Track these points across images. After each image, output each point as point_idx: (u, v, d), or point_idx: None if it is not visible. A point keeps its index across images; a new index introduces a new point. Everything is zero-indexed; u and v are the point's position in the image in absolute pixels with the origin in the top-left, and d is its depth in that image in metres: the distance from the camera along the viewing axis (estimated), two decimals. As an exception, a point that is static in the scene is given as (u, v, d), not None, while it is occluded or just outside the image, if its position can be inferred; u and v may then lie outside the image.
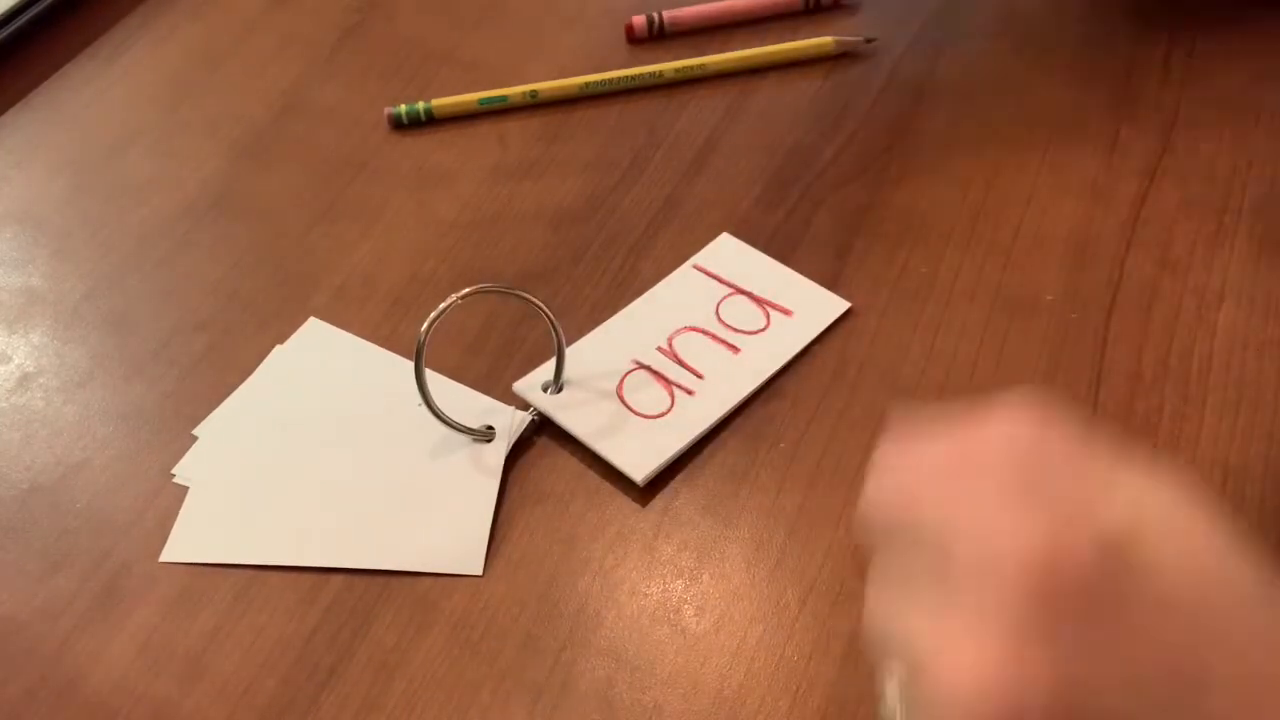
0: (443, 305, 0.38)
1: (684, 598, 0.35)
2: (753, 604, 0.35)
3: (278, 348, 0.43)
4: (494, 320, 0.43)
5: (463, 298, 0.38)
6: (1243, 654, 0.24)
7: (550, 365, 0.40)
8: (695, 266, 0.44)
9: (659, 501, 0.38)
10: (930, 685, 0.23)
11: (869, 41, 0.52)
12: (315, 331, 0.44)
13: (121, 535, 0.38)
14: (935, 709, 0.23)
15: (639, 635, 0.35)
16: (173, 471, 0.40)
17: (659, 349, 0.41)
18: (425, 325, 0.37)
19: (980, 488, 0.24)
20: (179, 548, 0.38)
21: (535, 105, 0.51)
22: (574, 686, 0.34)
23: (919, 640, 0.24)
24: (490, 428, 0.39)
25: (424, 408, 0.38)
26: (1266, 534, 0.34)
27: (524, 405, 0.40)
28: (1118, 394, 0.38)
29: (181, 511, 0.39)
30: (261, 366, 0.43)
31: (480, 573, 0.36)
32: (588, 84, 0.51)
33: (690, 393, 0.40)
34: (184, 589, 0.37)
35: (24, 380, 0.44)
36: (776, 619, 0.34)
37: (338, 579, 0.37)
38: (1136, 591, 0.23)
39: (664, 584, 0.36)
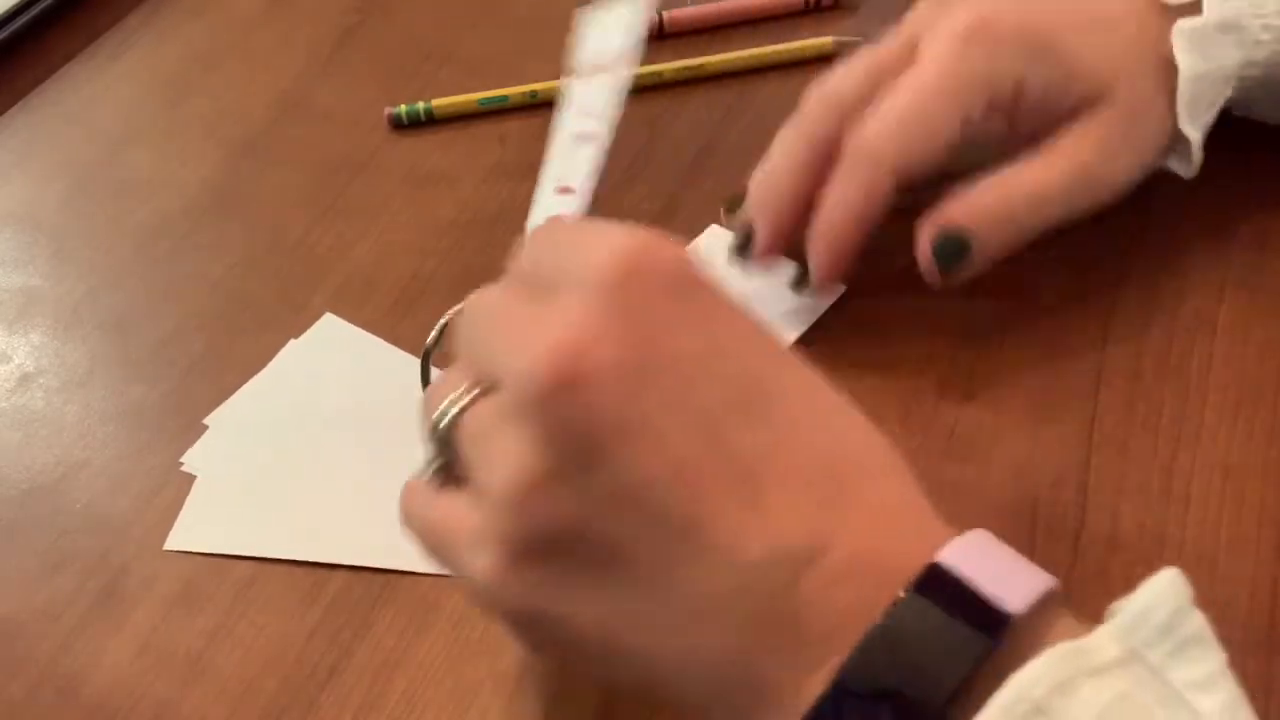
0: (441, 321, 0.38)
1: (684, 598, 0.35)
2: (753, 604, 0.35)
3: (292, 342, 0.43)
4: (494, 320, 0.43)
5: (458, 313, 0.38)
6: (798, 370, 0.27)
7: None
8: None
9: (659, 501, 0.37)
10: (517, 363, 0.25)
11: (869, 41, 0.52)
12: (330, 327, 0.44)
13: (121, 535, 0.38)
14: (518, 384, 0.25)
15: (639, 635, 0.35)
16: (181, 460, 0.40)
17: None
18: (430, 340, 0.37)
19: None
20: (184, 536, 0.38)
21: (535, 105, 0.51)
22: (574, 686, 0.34)
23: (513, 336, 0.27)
24: None
25: None
26: (1266, 534, 0.34)
27: None
28: (1118, 394, 0.38)
29: (188, 500, 0.39)
30: (275, 360, 0.43)
31: None
32: (588, 84, 0.51)
33: None
34: (184, 589, 0.37)
35: (24, 380, 0.44)
36: (776, 619, 0.34)
37: (338, 578, 0.37)
38: (715, 292, 0.27)
39: (664, 584, 0.36)
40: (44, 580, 0.38)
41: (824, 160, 0.38)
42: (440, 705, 0.34)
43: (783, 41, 0.52)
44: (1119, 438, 0.37)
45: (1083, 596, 0.33)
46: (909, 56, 0.38)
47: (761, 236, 0.40)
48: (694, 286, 0.27)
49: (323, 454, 0.40)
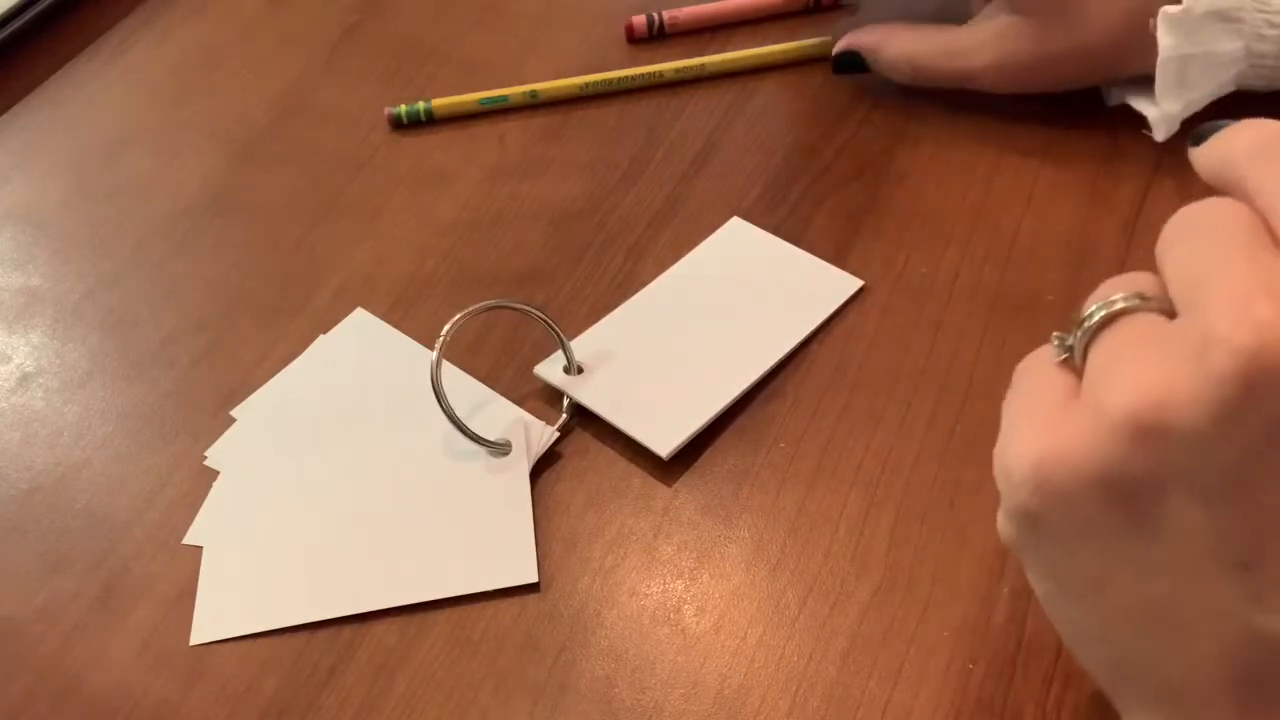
0: (445, 330, 0.38)
1: (684, 598, 0.35)
2: (753, 604, 0.35)
3: (321, 337, 0.43)
4: (494, 320, 0.43)
5: (454, 324, 0.38)
6: None
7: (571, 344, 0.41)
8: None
9: (659, 502, 0.38)
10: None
11: (869, 41, 0.52)
12: (359, 322, 0.44)
13: (121, 535, 0.38)
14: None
15: (639, 635, 0.35)
16: (205, 454, 0.40)
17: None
18: (434, 357, 0.38)
19: None
20: (200, 533, 0.38)
21: (535, 105, 0.51)
22: (574, 686, 0.34)
23: None
24: (507, 441, 0.39)
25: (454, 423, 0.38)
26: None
27: (552, 397, 0.40)
28: (1118, 394, 0.38)
29: (210, 494, 0.39)
30: (304, 354, 0.43)
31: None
32: (588, 84, 0.51)
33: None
34: (184, 589, 0.37)
35: (24, 380, 0.44)
36: (776, 619, 0.34)
37: (338, 579, 0.37)
38: None
39: (664, 584, 0.36)
40: (44, 580, 0.38)
41: None
42: (440, 705, 0.34)
43: (783, 41, 0.52)
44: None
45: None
46: None
47: None
48: None
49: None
